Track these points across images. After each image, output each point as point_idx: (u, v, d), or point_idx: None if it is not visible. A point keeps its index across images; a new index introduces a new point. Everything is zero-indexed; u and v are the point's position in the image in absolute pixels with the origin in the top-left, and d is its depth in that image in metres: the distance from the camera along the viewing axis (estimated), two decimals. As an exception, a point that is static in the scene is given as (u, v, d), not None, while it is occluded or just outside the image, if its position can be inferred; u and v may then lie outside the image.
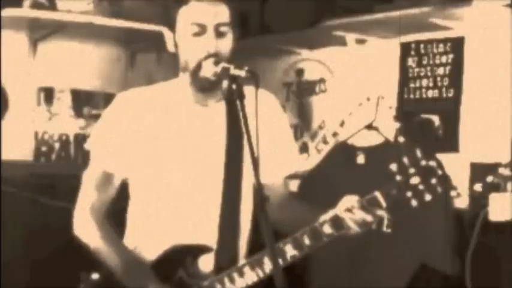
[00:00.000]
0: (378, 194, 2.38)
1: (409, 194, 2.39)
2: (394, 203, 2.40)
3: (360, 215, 2.36)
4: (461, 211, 3.63)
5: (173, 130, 2.44)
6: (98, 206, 2.46)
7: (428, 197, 2.40)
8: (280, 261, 2.30)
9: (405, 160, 2.40)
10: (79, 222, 2.47)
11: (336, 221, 2.38)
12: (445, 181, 2.41)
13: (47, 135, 4.55)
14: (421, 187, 2.39)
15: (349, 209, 2.37)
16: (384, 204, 2.38)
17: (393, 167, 2.40)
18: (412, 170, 2.39)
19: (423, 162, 2.40)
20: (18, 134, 4.44)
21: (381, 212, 2.39)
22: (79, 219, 2.47)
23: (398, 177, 2.39)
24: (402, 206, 2.41)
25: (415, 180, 2.39)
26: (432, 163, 2.40)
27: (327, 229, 2.37)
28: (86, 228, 2.45)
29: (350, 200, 2.39)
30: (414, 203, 2.40)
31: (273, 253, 2.13)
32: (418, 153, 2.41)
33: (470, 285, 3.45)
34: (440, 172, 2.40)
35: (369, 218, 2.37)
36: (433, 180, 2.39)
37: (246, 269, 2.37)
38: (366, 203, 2.38)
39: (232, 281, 2.38)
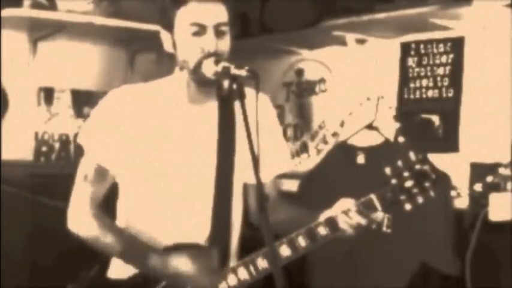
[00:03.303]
0: (373, 197, 2.41)
1: (402, 197, 2.43)
2: (388, 206, 2.43)
3: (356, 218, 2.40)
4: (461, 211, 3.63)
5: (165, 127, 2.44)
6: (93, 199, 2.44)
7: (420, 200, 2.43)
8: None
9: (399, 163, 2.43)
10: (74, 216, 2.45)
11: (332, 223, 2.40)
12: (438, 185, 2.45)
13: (47, 135, 4.55)
14: (414, 190, 2.43)
15: (345, 212, 2.40)
16: (379, 207, 2.41)
17: (387, 170, 2.43)
18: (406, 174, 2.42)
19: (417, 166, 2.43)
20: (18, 134, 4.44)
21: (376, 215, 2.42)
22: (74, 212, 2.46)
23: (393, 181, 2.42)
24: (396, 208, 2.44)
25: (408, 183, 2.42)
26: (426, 167, 2.43)
27: (322, 231, 2.40)
28: (82, 220, 2.43)
29: (346, 203, 2.42)
30: (408, 206, 2.45)
31: (273, 253, 2.14)
32: (412, 156, 2.44)
33: (470, 285, 3.45)
34: (433, 176, 2.43)
35: (364, 221, 2.41)
36: (427, 184, 2.43)
37: (241, 270, 2.38)
38: (362, 205, 2.41)
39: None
